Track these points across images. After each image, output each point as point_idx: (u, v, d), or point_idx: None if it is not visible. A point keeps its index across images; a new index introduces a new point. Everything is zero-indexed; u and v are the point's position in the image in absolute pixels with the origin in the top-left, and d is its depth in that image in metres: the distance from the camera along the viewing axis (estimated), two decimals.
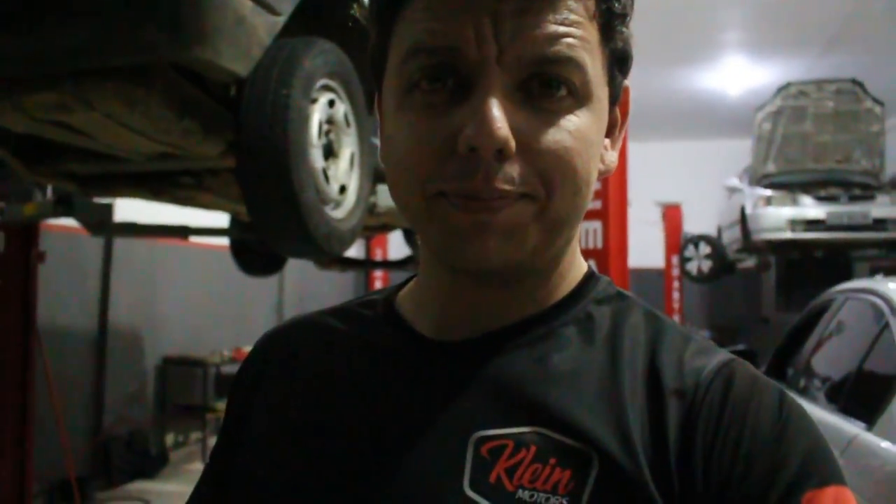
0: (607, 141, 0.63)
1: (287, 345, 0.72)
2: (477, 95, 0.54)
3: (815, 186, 7.86)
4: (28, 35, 1.87)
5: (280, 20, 2.11)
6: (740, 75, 8.59)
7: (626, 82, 0.64)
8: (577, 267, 0.66)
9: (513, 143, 0.53)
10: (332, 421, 0.62)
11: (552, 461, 0.54)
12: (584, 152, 0.57)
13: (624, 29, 0.60)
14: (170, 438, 6.19)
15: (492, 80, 0.54)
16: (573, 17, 0.55)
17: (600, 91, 0.58)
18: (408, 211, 0.59)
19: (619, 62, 0.60)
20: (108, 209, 4.02)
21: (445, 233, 0.56)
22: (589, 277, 0.66)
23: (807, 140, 8.06)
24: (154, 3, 1.78)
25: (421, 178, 0.56)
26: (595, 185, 0.61)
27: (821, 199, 7.73)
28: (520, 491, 0.54)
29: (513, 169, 0.54)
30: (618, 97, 0.63)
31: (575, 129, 0.56)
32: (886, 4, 6.52)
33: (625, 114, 0.65)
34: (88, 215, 3.85)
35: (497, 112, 0.53)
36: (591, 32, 0.57)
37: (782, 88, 8.08)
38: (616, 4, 0.58)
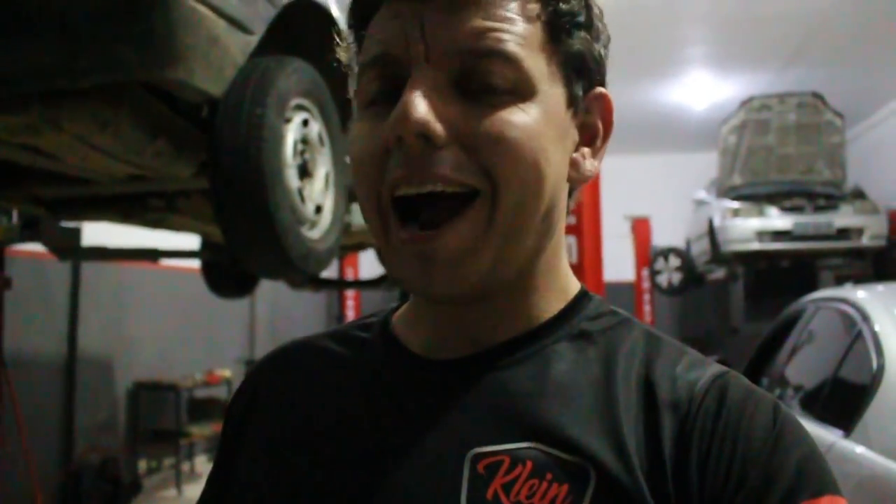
0: (586, 150, 0.63)
1: (282, 369, 0.71)
2: (403, 91, 0.55)
3: (780, 197, 8.00)
4: None
5: (253, 39, 2.10)
6: (705, 90, 8.73)
7: (602, 90, 0.64)
8: (569, 284, 0.66)
9: (436, 127, 0.54)
10: (328, 442, 0.62)
11: (549, 476, 0.54)
12: (533, 143, 0.56)
13: (580, 33, 0.60)
14: (143, 465, 6.07)
15: (418, 74, 0.56)
16: (503, 13, 0.56)
17: (547, 88, 0.58)
18: (371, 227, 0.61)
19: (575, 65, 0.60)
20: (76, 233, 3.96)
21: (398, 259, 0.58)
22: (582, 295, 0.66)
23: (771, 152, 8.21)
24: (125, 22, 1.76)
25: (374, 186, 0.58)
26: (562, 192, 0.61)
27: (786, 209, 7.87)
28: None
29: (446, 156, 0.55)
30: (577, 101, 0.61)
31: (517, 119, 0.56)
32: (845, 21, 6.68)
33: (607, 122, 0.65)
34: (56, 240, 3.79)
35: (416, 99, 0.54)
36: (532, 31, 0.57)
37: (746, 102, 8.24)
38: (562, 6, 0.58)
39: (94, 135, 2.05)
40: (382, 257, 5.97)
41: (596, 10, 0.61)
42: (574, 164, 0.62)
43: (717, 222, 8.26)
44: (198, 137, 2.29)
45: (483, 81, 0.56)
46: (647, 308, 10.36)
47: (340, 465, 0.60)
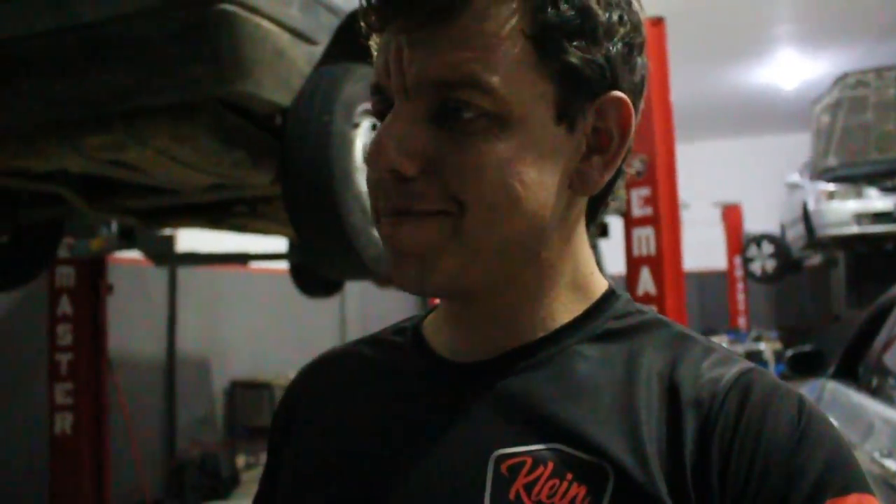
0: (596, 158, 0.61)
1: (320, 377, 0.74)
2: (379, 127, 0.58)
3: (881, 178, 7.60)
4: (80, 79, 1.97)
5: (318, 49, 2.17)
6: (794, 68, 8.40)
7: (618, 94, 0.59)
8: (592, 285, 0.65)
9: (405, 164, 0.57)
10: (360, 446, 0.64)
11: (569, 476, 0.55)
12: (505, 169, 0.56)
13: (576, 42, 0.56)
14: (240, 460, 6.31)
15: (397, 108, 0.58)
16: (482, 40, 0.55)
17: (531, 110, 0.57)
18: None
19: (570, 77, 0.57)
20: (170, 240, 4.16)
21: (388, 262, 0.61)
22: (609, 295, 0.65)
23: (869, 130, 7.79)
24: (196, 43, 1.85)
25: (372, 205, 0.62)
26: (558, 207, 0.60)
27: (887, 189, 7.48)
28: None
29: (414, 187, 0.57)
30: (572, 115, 0.59)
31: (490, 147, 0.56)
32: None
33: (624, 127, 0.61)
34: (151, 247, 4.00)
35: (389, 136, 0.57)
36: (515, 53, 0.56)
37: (840, 79, 7.84)
38: (553, 18, 0.56)
39: (175, 148, 2.16)
40: None
41: (599, 13, 0.57)
42: (580, 176, 0.61)
43: (811, 206, 7.94)
44: (273, 145, 2.38)
45: (457, 112, 0.56)
46: (740, 297, 10.05)
47: (372, 466, 0.62)
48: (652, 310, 0.67)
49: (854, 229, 7.52)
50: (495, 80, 0.55)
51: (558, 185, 0.60)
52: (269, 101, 2.02)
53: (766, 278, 10.24)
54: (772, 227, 10.14)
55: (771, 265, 10.07)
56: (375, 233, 2.41)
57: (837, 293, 9.89)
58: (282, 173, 2.27)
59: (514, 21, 0.56)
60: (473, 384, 0.62)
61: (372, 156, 0.57)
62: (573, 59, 0.57)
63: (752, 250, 10.20)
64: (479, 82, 0.55)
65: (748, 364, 0.60)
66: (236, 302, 6.41)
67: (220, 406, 6.19)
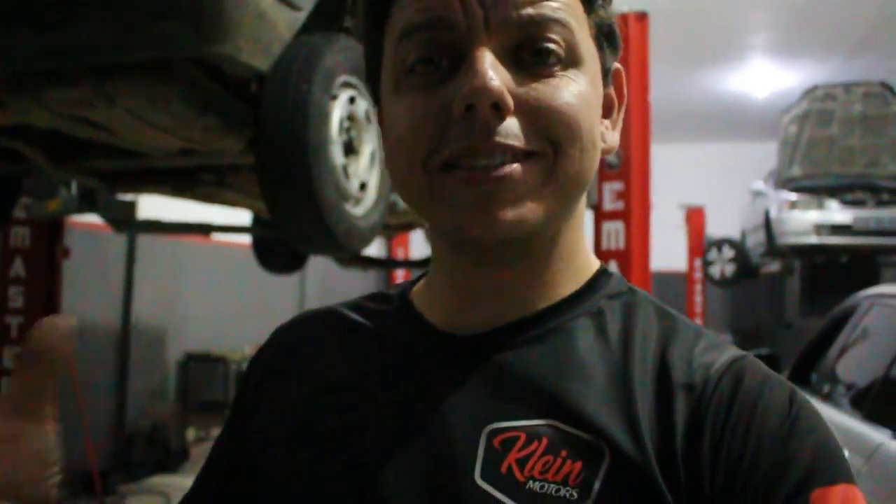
0: (606, 122, 0.64)
1: (299, 338, 0.72)
2: (469, 58, 0.55)
3: (842, 191, 7.76)
4: (51, 31, 1.89)
5: (301, 16, 2.12)
6: (767, 78, 8.52)
7: (618, 65, 0.64)
8: (588, 262, 0.65)
9: (509, 98, 0.54)
10: (343, 412, 0.62)
11: (563, 453, 0.54)
12: (586, 111, 0.57)
13: (607, 5, 0.61)
14: (191, 433, 6.24)
15: (482, 42, 0.55)
16: None
17: (590, 58, 0.59)
18: (410, 192, 0.59)
19: (605, 35, 0.61)
20: (132, 206, 4.07)
21: (452, 207, 0.56)
22: (601, 273, 0.65)
23: (833, 144, 7.96)
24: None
25: (421, 153, 0.56)
26: (598, 161, 0.62)
27: (847, 203, 7.63)
28: (530, 482, 0.54)
29: (513, 125, 0.55)
30: (609, 73, 0.62)
31: (573, 86, 0.57)
32: None
33: (621, 97, 0.65)
34: (112, 211, 3.90)
35: (489, 67, 0.54)
36: (574, 1, 0.58)
37: (809, 91, 7.99)
38: None
39: (145, 109, 2.09)
40: (430, 235, 6.01)
41: None
42: (601, 135, 0.63)
43: (773, 214, 8.07)
44: (247, 113, 2.32)
45: (540, 50, 0.56)
46: (697, 299, 10.20)
47: (358, 435, 0.60)
48: (640, 290, 0.66)
49: (813, 239, 7.66)
50: (572, 20, 0.57)
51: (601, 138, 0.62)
52: (247, 65, 1.97)
53: (724, 282, 10.41)
54: (733, 233, 10.31)
55: (730, 269, 10.24)
56: (347, 207, 2.38)
57: (791, 301, 10.10)
58: (255, 142, 2.22)
59: None
60: (469, 357, 0.61)
61: (476, 87, 0.53)
62: (609, 20, 0.61)
63: (713, 254, 10.36)
64: (561, 20, 0.56)
65: (739, 351, 0.60)
66: (196, 274, 6.31)
67: (173, 378, 6.10)
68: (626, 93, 0.65)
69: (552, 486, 0.54)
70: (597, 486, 0.53)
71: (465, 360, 0.61)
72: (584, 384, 0.57)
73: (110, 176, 3.21)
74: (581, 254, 0.65)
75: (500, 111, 0.54)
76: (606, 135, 0.63)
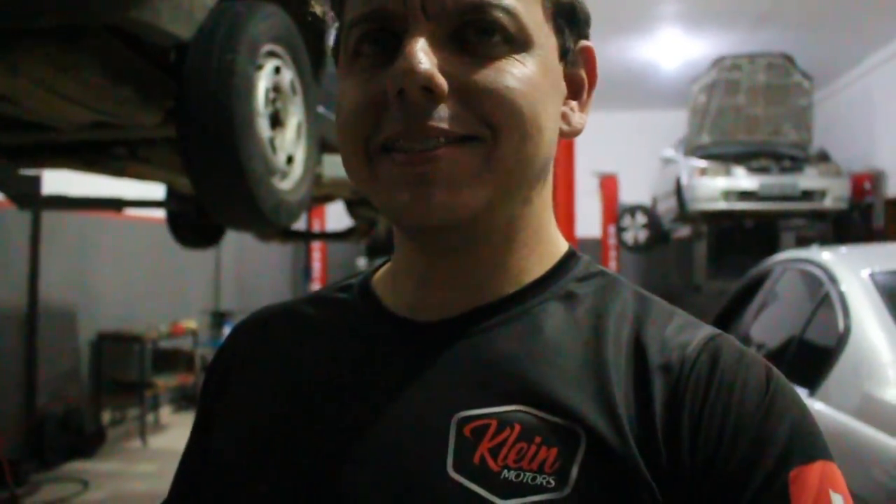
0: (574, 103, 0.63)
1: (260, 335, 0.70)
2: (402, 44, 0.54)
3: (747, 158, 8.06)
4: None
5: None
6: (677, 47, 8.70)
7: (586, 42, 0.63)
8: (557, 244, 0.65)
9: (440, 80, 0.53)
10: (309, 408, 0.60)
11: (537, 440, 0.53)
12: (529, 95, 0.56)
13: None
14: (106, 416, 6.03)
15: (416, 28, 0.54)
16: None
17: (543, 40, 0.58)
18: (355, 173, 0.59)
19: (566, 14, 0.60)
20: (35, 181, 3.85)
21: (388, 189, 0.56)
22: (570, 256, 0.65)
23: (739, 112, 8.25)
24: None
25: (362, 136, 0.56)
26: (555, 145, 0.61)
27: (753, 170, 7.93)
28: (505, 471, 0.53)
29: (447, 109, 0.54)
30: (569, 53, 0.62)
31: (516, 70, 0.56)
32: None
33: (592, 75, 0.64)
34: (14, 187, 3.69)
35: (419, 51, 0.53)
36: None
37: (717, 61, 8.23)
38: None
39: (54, 79, 1.96)
40: (351, 209, 5.92)
41: None
42: (564, 118, 0.62)
43: (684, 181, 8.31)
44: (165, 83, 2.21)
45: (481, 34, 0.55)
46: (612, 264, 10.45)
47: (323, 430, 0.58)
48: (611, 271, 0.66)
49: (722, 205, 7.94)
50: (519, 6, 0.56)
51: (558, 124, 0.61)
52: (167, 32, 1.86)
53: (637, 247, 10.70)
54: (645, 199, 10.58)
55: (643, 235, 10.53)
56: (275, 181, 2.31)
57: (700, 265, 10.47)
58: (176, 115, 2.12)
59: None
60: (435, 343, 0.59)
61: (404, 69, 0.53)
62: (566, 0, 0.60)
63: (626, 220, 10.62)
64: (508, 6, 0.55)
65: (713, 329, 0.60)
66: (107, 250, 6.06)
67: (85, 359, 5.86)
68: (598, 72, 0.65)
69: (528, 474, 0.52)
70: (575, 471, 0.52)
71: (428, 348, 0.59)
72: (556, 367, 0.56)
73: (14, 150, 3.02)
74: (548, 238, 0.64)
75: (433, 94, 0.53)
76: (572, 116, 0.63)
